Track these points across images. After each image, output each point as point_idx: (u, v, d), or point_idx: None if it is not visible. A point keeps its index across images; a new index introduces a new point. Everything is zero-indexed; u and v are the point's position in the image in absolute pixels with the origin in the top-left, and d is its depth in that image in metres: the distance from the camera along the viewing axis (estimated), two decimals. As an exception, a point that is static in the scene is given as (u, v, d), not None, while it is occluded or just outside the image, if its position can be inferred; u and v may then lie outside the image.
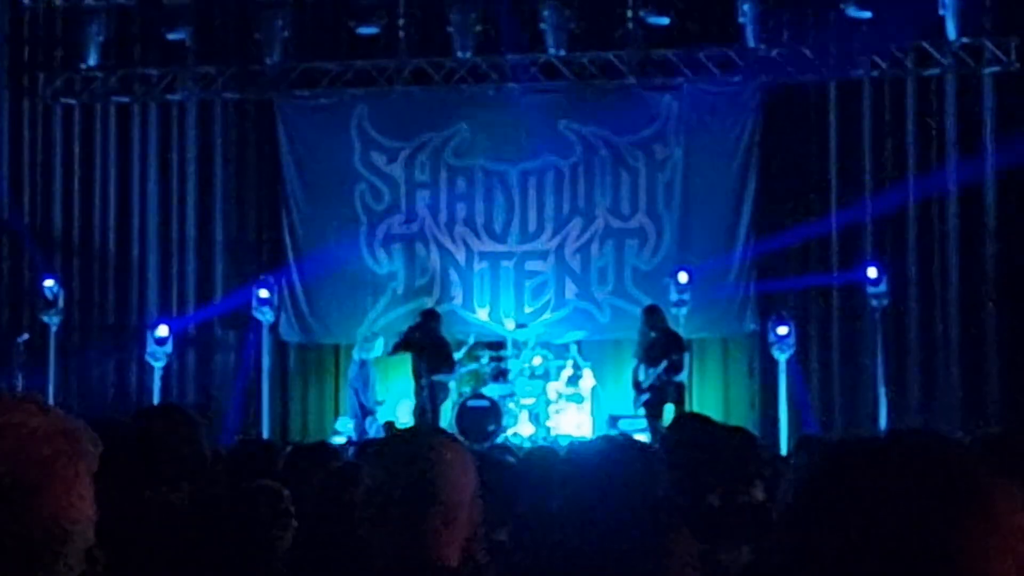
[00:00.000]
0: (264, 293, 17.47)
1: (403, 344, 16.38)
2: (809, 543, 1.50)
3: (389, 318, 18.02)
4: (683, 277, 16.97)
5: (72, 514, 1.74)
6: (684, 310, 16.84)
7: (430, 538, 3.09)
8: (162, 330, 17.13)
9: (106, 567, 1.86)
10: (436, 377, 16.26)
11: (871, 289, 16.66)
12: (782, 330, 16.68)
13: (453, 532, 3.10)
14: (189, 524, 4.28)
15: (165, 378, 17.19)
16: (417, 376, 16.32)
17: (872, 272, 16.64)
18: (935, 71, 17.41)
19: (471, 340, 17.28)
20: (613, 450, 4.62)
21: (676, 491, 4.81)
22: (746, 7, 17.48)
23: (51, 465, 1.73)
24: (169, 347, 17.32)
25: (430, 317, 16.60)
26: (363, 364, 16.62)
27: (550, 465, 5.92)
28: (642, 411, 16.03)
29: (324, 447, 8.75)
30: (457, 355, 16.80)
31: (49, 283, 17.16)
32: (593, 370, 17.21)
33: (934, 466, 1.50)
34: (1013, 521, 1.48)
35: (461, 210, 18.37)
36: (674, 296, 16.89)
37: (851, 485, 1.51)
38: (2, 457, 1.70)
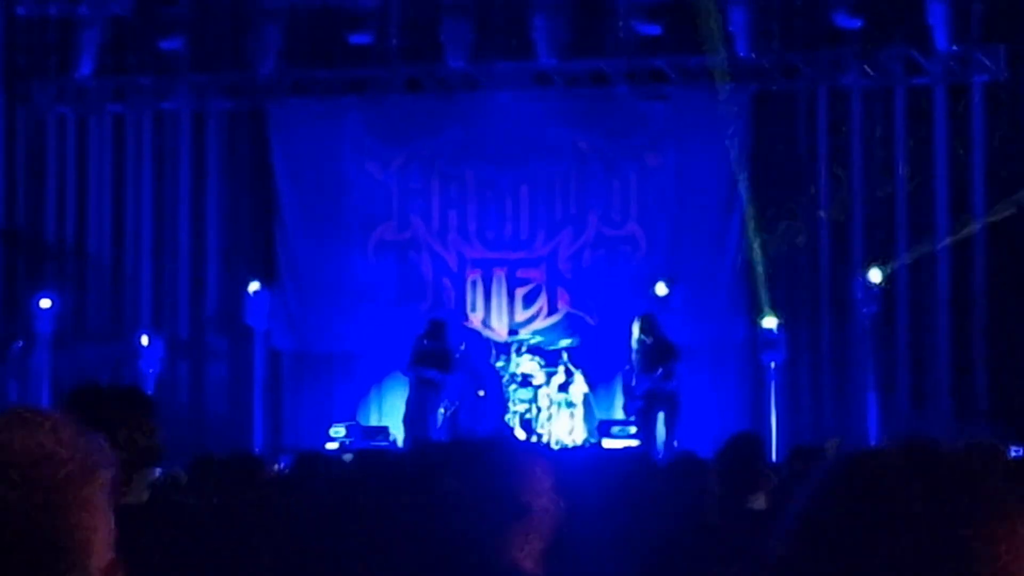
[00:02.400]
0: (257, 299, 17.52)
1: (416, 359, 16.37)
2: (824, 556, 1.51)
3: (382, 326, 18.05)
4: (661, 290, 17.05)
5: (87, 536, 1.73)
6: (675, 317, 16.90)
7: (513, 549, 3.07)
8: (143, 339, 17.25)
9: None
10: (426, 373, 16.24)
11: (862, 298, 16.76)
12: (771, 336, 16.76)
13: (533, 543, 3.10)
14: (149, 527, 3.99)
15: (158, 386, 17.20)
16: (412, 383, 16.35)
17: (876, 276, 16.73)
18: (924, 80, 17.50)
19: (463, 347, 17.31)
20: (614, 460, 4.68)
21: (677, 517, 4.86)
22: (736, 16, 17.55)
23: (69, 485, 1.72)
24: (161, 354, 17.40)
25: (442, 328, 16.59)
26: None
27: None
28: (633, 418, 16.09)
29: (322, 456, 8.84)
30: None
31: (45, 303, 17.25)
32: (585, 377, 17.25)
33: (950, 477, 1.52)
34: None
35: (453, 217, 18.42)
36: (664, 302, 16.95)
37: (867, 497, 1.51)
38: (20, 479, 1.70)
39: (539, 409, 16.87)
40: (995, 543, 1.48)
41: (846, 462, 1.59)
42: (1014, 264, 16.87)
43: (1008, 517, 1.49)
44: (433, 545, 3.16)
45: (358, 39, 18.01)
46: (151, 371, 17.22)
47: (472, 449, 3.47)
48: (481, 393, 16.59)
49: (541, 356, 17.29)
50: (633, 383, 16.02)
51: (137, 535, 3.83)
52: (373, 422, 17.57)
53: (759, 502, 6.17)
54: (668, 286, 17.15)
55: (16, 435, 1.73)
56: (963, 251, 17.18)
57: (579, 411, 17.07)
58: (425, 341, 16.34)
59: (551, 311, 18.16)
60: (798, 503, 1.58)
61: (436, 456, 3.99)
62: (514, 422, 16.75)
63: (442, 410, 16.48)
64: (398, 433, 16.84)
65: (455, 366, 16.55)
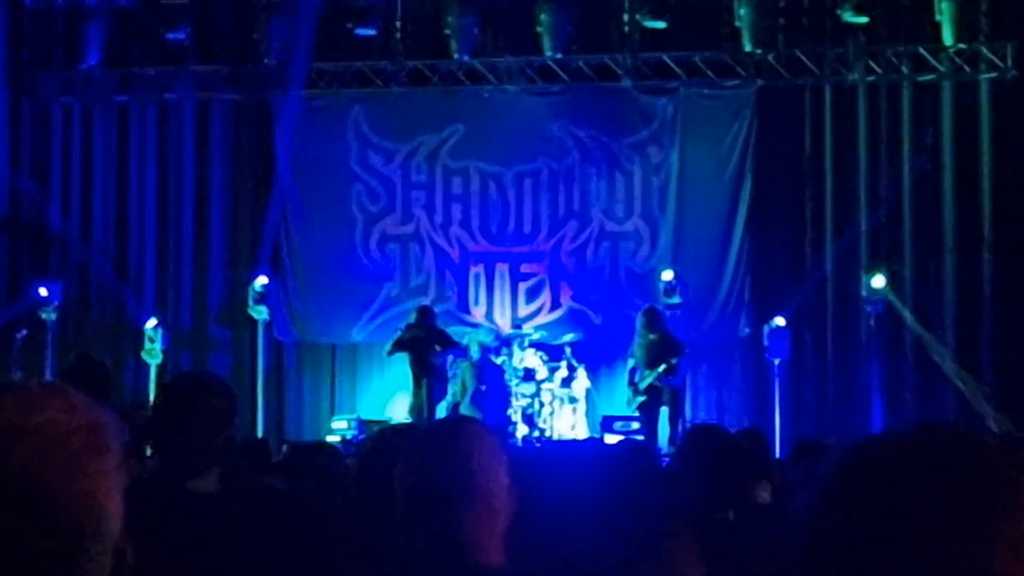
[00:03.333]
0: (260, 291, 17.56)
1: (401, 342, 16.32)
2: (841, 543, 1.47)
3: (384, 318, 18.06)
4: (667, 275, 17.07)
5: (99, 510, 1.71)
6: (678, 313, 16.90)
7: (470, 532, 2.96)
8: (150, 323, 17.36)
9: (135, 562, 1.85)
10: (435, 357, 16.26)
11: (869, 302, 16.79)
12: (777, 334, 16.76)
13: (492, 525, 2.97)
14: (217, 515, 4.02)
15: (160, 376, 17.22)
16: (416, 375, 16.33)
17: (879, 281, 16.73)
18: (931, 76, 17.46)
19: (465, 341, 17.31)
20: (612, 452, 4.63)
21: (690, 503, 4.81)
22: (742, 11, 17.51)
23: (78, 462, 1.69)
24: (164, 345, 17.43)
25: (425, 314, 16.56)
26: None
27: (544, 465, 5.92)
28: (637, 413, 16.07)
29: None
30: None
31: (43, 292, 17.31)
32: (587, 372, 17.26)
33: (974, 462, 1.47)
34: None
35: (457, 211, 18.42)
36: (668, 299, 16.96)
37: (889, 481, 1.47)
38: (29, 456, 1.67)
39: (541, 404, 16.89)
40: (1013, 534, 1.44)
41: (860, 449, 1.54)
42: (1021, 262, 16.83)
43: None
44: (391, 529, 3.07)
45: (363, 32, 18.00)
46: (154, 361, 17.25)
47: (426, 431, 3.39)
48: (482, 388, 16.55)
49: (544, 351, 17.30)
50: (636, 378, 16.01)
51: (210, 522, 3.92)
52: (375, 415, 17.56)
53: (764, 496, 6.17)
54: (659, 278, 17.15)
55: (28, 408, 1.71)
56: (970, 249, 17.14)
57: (581, 406, 17.08)
58: (415, 330, 16.23)
59: (554, 306, 18.15)
60: (808, 497, 1.55)
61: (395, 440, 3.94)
62: (516, 416, 16.74)
63: (445, 403, 16.49)
64: (400, 426, 16.82)
65: (448, 345, 16.48)
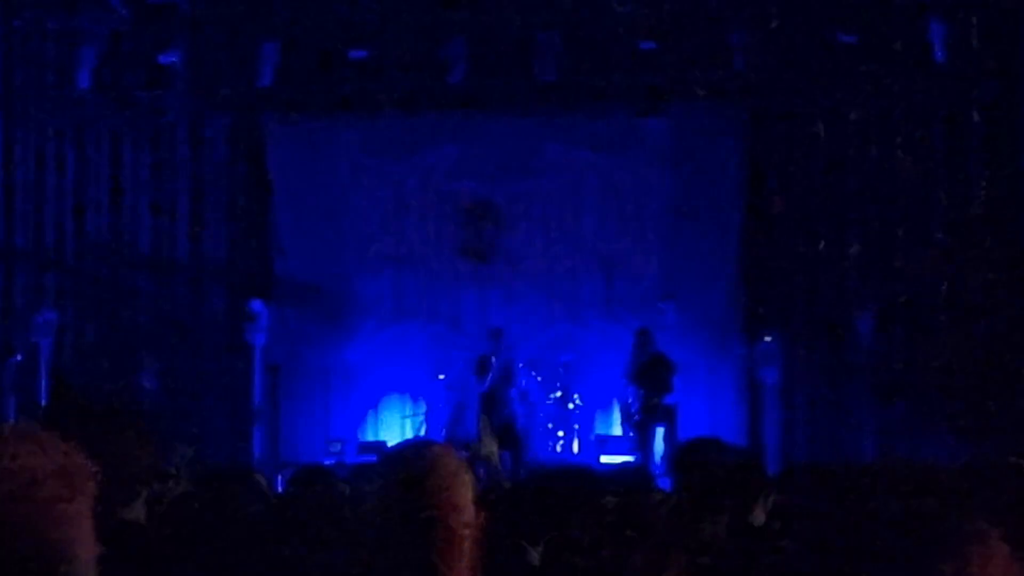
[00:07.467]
0: (254, 315, 17.53)
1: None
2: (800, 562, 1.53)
3: (377, 341, 18.05)
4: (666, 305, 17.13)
5: (72, 554, 1.72)
6: (671, 333, 16.91)
7: (434, 559, 2.89)
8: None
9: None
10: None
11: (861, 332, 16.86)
12: (769, 354, 16.77)
13: (458, 552, 2.91)
14: (151, 543, 3.98)
15: (155, 400, 17.17)
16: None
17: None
18: (922, 99, 17.47)
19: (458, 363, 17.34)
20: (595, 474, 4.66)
21: (678, 515, 4.84)
22: (735, 33, 17.54)
23: (52, 507, 1.71)
24: (159, 369, 17.42)
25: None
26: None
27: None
28: (631, 433, 16.09)
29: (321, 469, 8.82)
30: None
31: (47, 316, 17.32)
32: (580, 392, 17.25)
33: (922, 494, 1.52)
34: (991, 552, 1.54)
35: (450, 233, 18.41)
36: (661, 319, 16.98)
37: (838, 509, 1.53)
38: (4, 498, 1.69)
39: (535, 425, 16.86)
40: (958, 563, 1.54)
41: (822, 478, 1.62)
42: (1014, 279, 16.87)
43: (976, 540, 1.56)
44: (360, 559, 3.03)
45: (356, 54, 17.99)
46: (149, 385, 17.21)
47: (388, 456, 3.30)
48: None
49: (538, 372, 17.28)
50: (630, 398, 16.02)
51: (137, 552, 3.78)
52: (370, 437, 17.55)
53: (758, 517, 6.19)
54: (666, 302, 17.15)
55: (2, 457, 1.71)
56: (960, 272, 17.16)
57: (576, 427, 17.06)
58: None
59: (547, 327, 18.13)
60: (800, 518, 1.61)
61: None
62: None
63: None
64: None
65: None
